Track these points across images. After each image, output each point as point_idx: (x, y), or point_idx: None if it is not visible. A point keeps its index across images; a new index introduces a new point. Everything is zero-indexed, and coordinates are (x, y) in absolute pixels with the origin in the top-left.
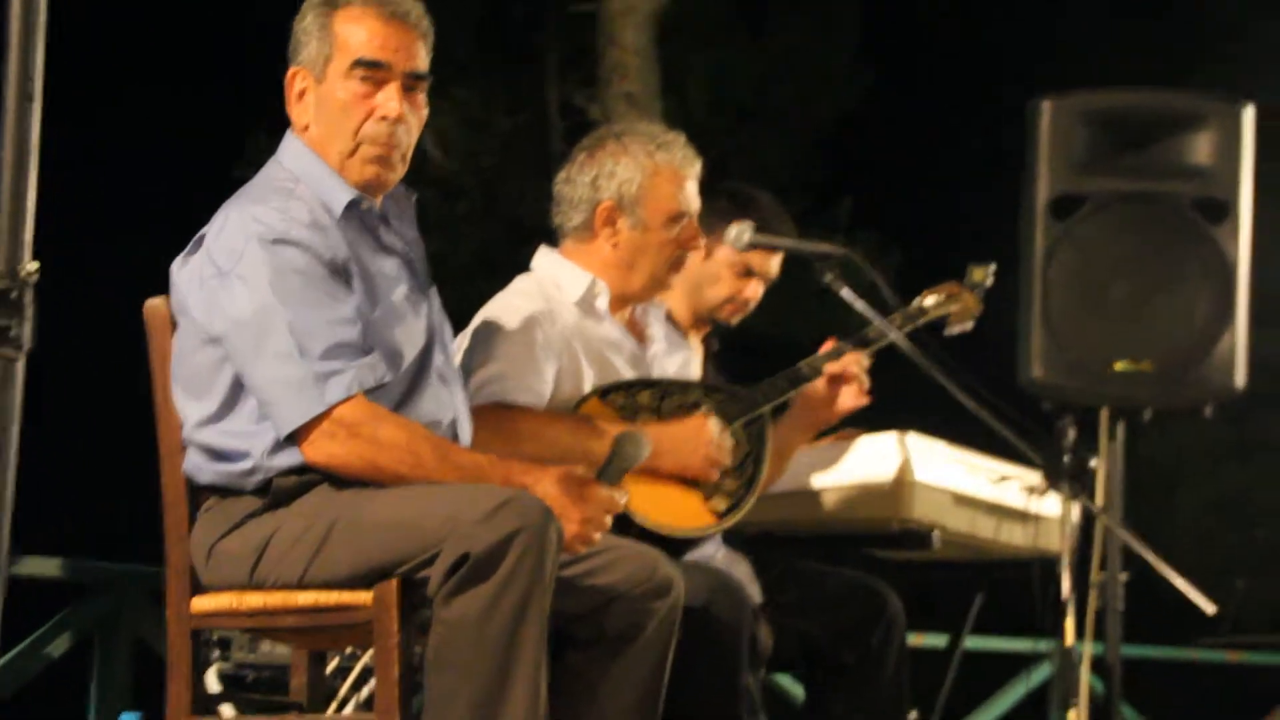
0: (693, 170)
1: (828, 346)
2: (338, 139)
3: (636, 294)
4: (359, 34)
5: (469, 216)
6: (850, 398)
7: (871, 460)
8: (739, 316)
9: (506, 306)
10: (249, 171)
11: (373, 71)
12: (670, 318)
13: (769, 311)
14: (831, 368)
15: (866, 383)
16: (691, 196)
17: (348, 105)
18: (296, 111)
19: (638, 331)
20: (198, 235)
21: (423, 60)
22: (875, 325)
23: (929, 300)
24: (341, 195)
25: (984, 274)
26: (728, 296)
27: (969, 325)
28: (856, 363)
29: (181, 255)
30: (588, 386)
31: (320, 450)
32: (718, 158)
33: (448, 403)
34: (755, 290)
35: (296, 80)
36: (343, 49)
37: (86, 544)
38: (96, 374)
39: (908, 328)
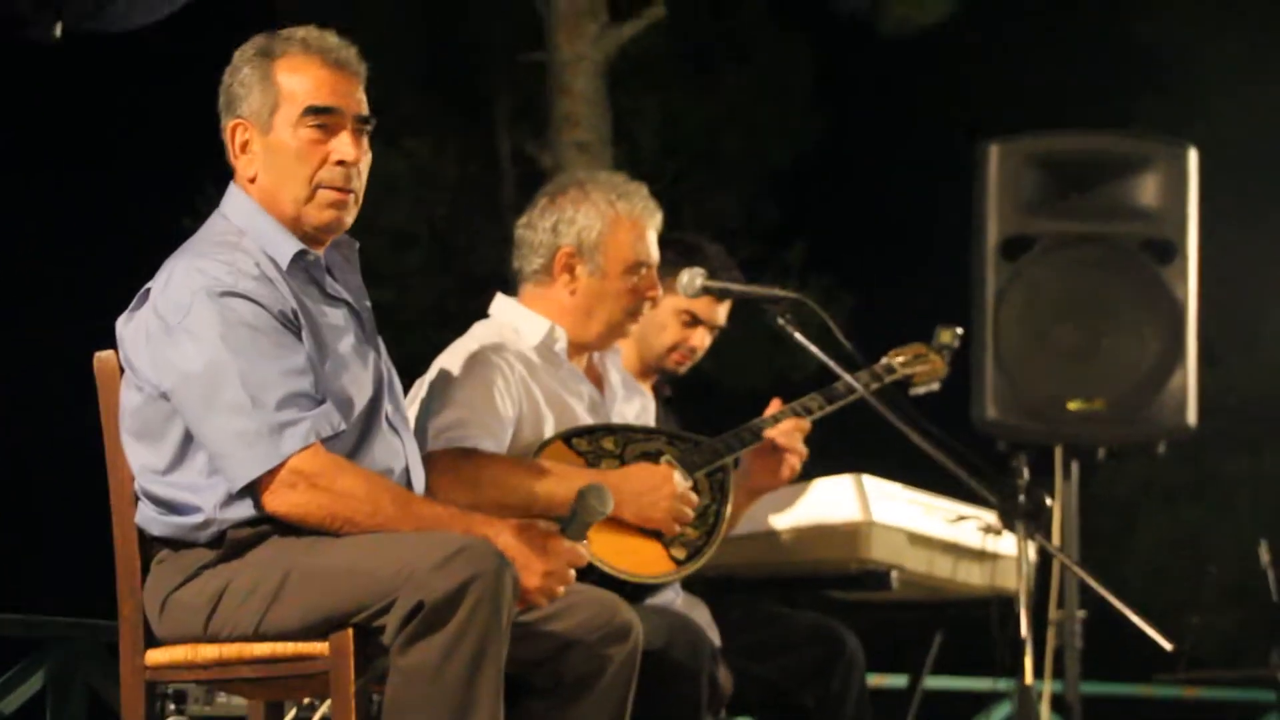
0: (653, 221)
1: (774, 408)
2: (291, 186)
3: (593, 341)
4: (304, 83)
5: (420, 267)
6: (788, 468)
7: (830, 502)
8: (686, 366)
9: (464, 352)
10: (197, 224)
11: (325, 118)
12: None
13: (724, 359)
14: (770, 434)
15: (803, 452)
16: (651, 247)
17: (302, 152)
18: (242, 164)
19: (596, 377)
20: (142, 290)
21: (365, 104)
22: (843, 380)
23: (896, 360)
24: (287, 247)
25: (951, 336)
26: (673, 344)
27: (935, 386)
28: (794, 432)
29: (126, 311)
30: (548, 431)
31: (281, 500)
32: (669, 203)
33: (399, 450)
34: (702, 339)
35: (238, 133)
36: (289, 98)
37: (40, 599)
38: (46, 428)
39: (874, 386)
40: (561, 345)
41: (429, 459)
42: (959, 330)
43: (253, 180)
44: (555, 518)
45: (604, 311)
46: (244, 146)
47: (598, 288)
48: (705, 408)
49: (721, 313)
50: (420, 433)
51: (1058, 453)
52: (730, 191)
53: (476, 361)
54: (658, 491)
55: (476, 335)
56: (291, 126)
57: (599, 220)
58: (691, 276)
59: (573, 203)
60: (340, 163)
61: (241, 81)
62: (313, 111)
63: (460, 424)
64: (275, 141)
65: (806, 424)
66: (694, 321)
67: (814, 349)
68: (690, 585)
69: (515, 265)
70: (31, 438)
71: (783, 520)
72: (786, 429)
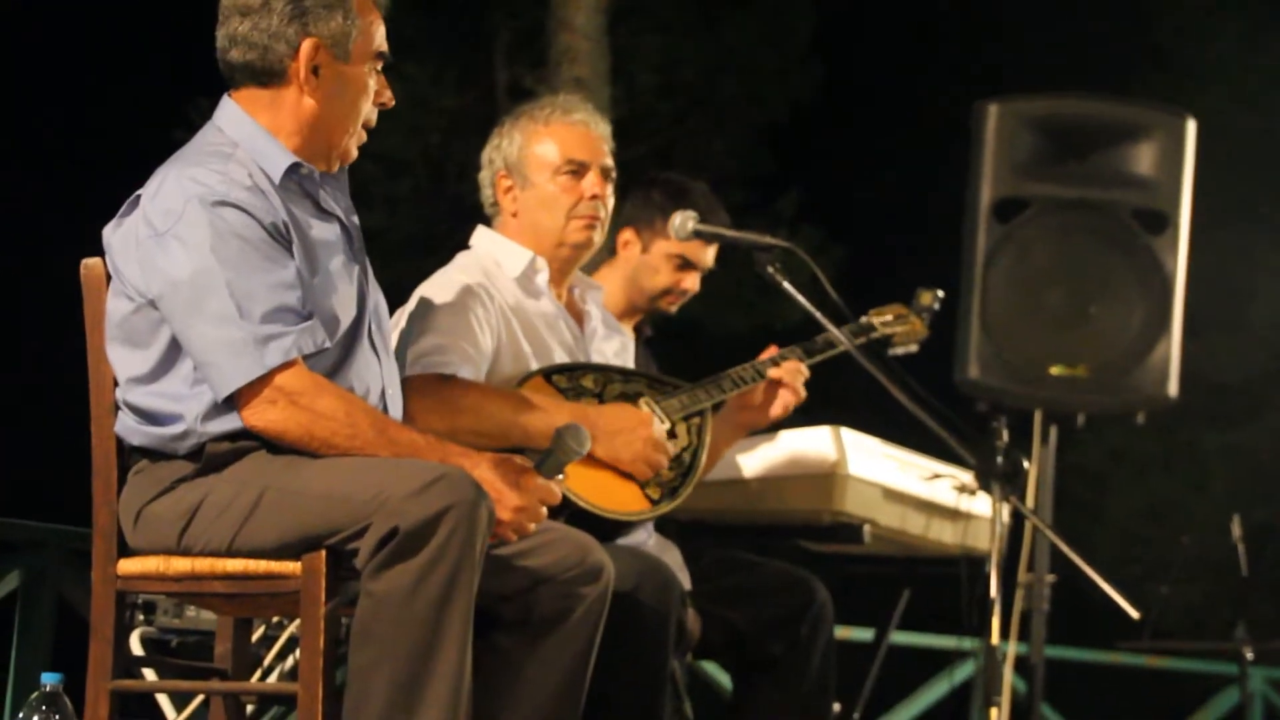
0: (579, 120)
1: (770, 353)
2: (349, 118)
3: (556, 256)
4: (378, 28)
5: (411, 193)
6: (781, 405)
7: (805, 453)
8: (676, 306)
9: (446, 281)
10: (189, 135)
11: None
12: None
13: (707, 303)
14: (774, 373)
15: (803, 394)
16: (584, 147)
17: (368, 91)
18: (309, 85)
19: (576, 312)
20: (132, 197)
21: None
22: (827, 334)
23: (877, 319)
24: (280, 159)
25: (932, 298)
26: (666, 287)
27: (914, 348)
28: (797, 372)
29: (115, 218)
30: (530, 364)
31: (259, 415)
32: (663, 145)
33: (378, 372)
34: (693, 281)
35: (315, 53)
36: (366, 38)
37: (11, 503)
38: (30, 336)
39: (858, 341)
40: (543, 276)
41: (406, 383)
42: (939, 293)
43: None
44: (531, 453)
45: (546, 219)
46: (315, 70)
47: (531, 199)
48: (685, 350)
49: (710, 255)
50: (400, 359)
51: (1037, 416)
52: (725, 136)
53: (457, 290)
54: (633, 434)
55: (458, 265)
56: (367, 62)
57: (520, 135)
58: (683, 219)
59: (503, 132)
60: (382, 104)
61: (326, 5)
62: (381, 56)
63: (439, 349)
64: (353, 74)
65: (806, 369)
66: (686, 265)
67: (801, 299)
68: (663, 528)
69: (486, 197)
70: (13, 346)
71: (758, 468)
72: (790, 368)
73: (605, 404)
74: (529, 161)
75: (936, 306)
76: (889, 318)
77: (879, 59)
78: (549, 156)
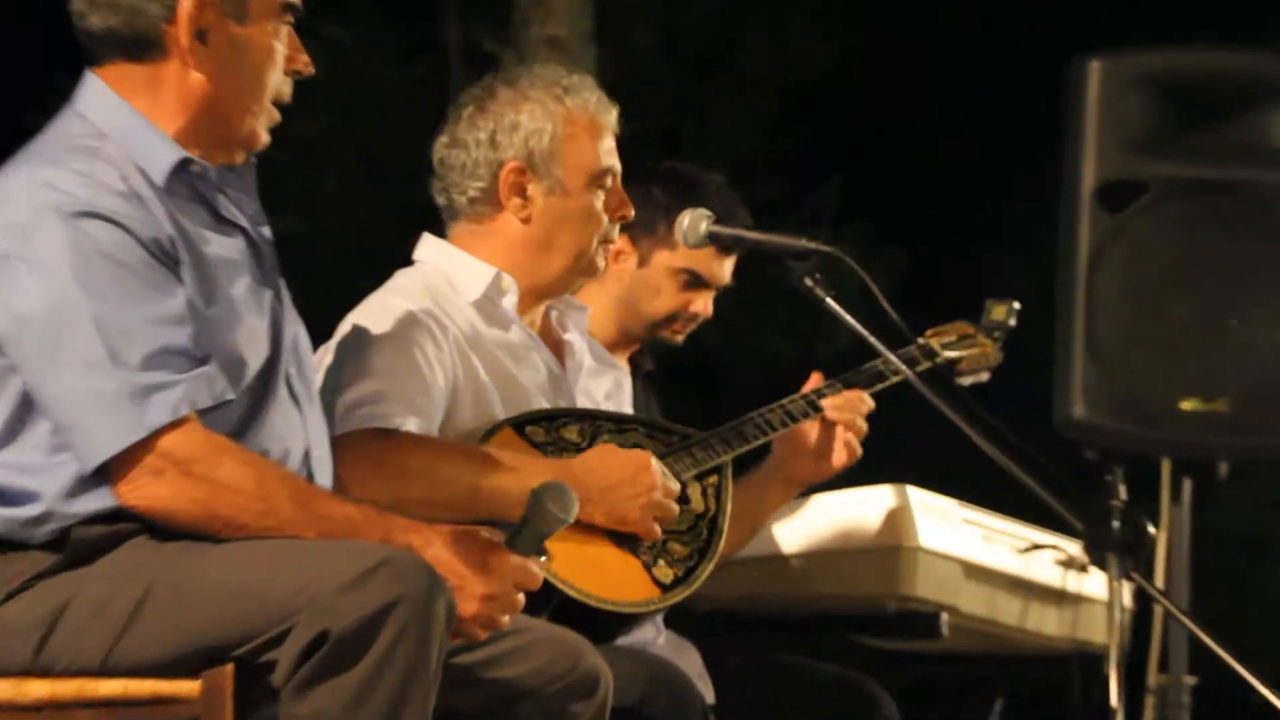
0: (611, 120)
1: (814, 383)
2: (252, 93)
3: (555, 282)
4: None
5: (340, 193)
6: (845, 449)
7: (862, 520)
8: (684, 335)
9: (383, 309)
10: (41, 124)
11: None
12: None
13: (728, 329)
14: (830, 407)
15: (862, 431)
16: (614, 152)
17: (274, 56)
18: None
19: (555, 343)
20: None
21: None
22: (879, 361)
23: (936, 341)
24: (164, 155)
25: (1005, 312)
26: (671, 312)
27: (984, 376)
28: (860, 402)
29: None
30: (497, 413)
31: (141, 491)
32: (665, 124)
33: (299, 429)
34: (705, 303)
35: (200, 12)
36: None
37: None
38: None
39: (917, 368)
40: (511, 299)
41: (338, 443)
42: (1015, 305)
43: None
44: (501, 524)
45: (570, 240)
46: (202, 35)
47: (559, 209)
48: (698, 390)
49: (727, 269)
50: (327, 409)
51: (1165, 466)
52: (747, 111)
53: (398, 320)
54: (634, 483)
55: (399, 287)
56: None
57: (549, 121)
58: (694, 221)
59: (510, 105)
60: (296, 73)
61: None
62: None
63: (377, 398)
64: (252, 37)
65: (869, 400)
66: (695, 281)
67: (849, 319)
68: (677, 622)
69: (442, 200)
70: None
71: (800, 541)
72: (845, 403)
73: (589, 451)
74: (565, 159)
75: (1012, 323)
76: (951, 338)
77: (945, 6)
78: (588, 160)
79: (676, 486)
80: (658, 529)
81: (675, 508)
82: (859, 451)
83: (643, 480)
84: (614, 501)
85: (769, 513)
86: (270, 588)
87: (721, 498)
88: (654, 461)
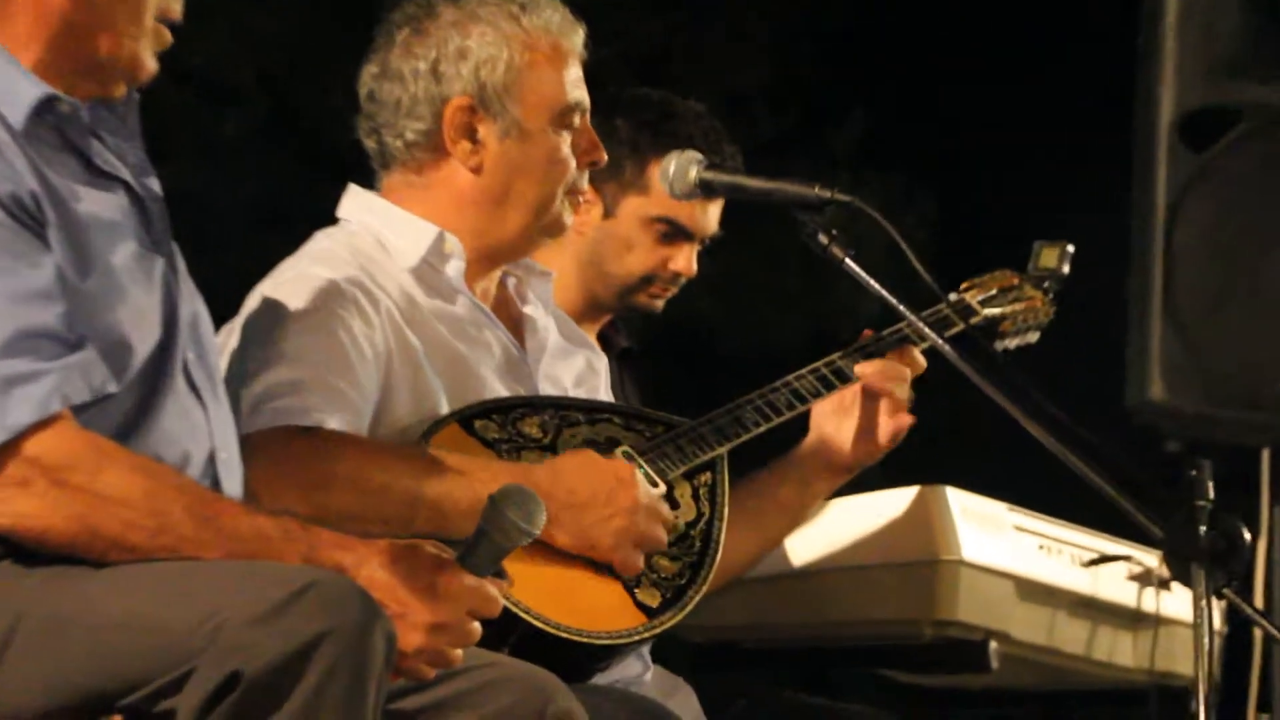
0: (577, 43)
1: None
2: (128, 5)
3: (511, 244)
4: None
5: (243, 137)
6: (892, 424)
7: (892, 528)
8: (663, 300)
9: (300, 279)
10: None
11: None
12: None
13: (725, 294)
14: (866, 373)
15: (907, 402)
16: (582, 84)
17: None
18: None
19: (512, 317)
20: None
21: None
22: (910, 325)
23: (973, 295)
24: (23, 90)
25: (1057, 257)
26: (647, 272)
27: (1032, 336)
28: (906, 366)
29: None
30: (440, 405)
31: (4, 507)
32: (643, 45)
33: (200, 427)
34: (687, 259)
35: None
36: None
37: None
38: None
39: (949, 331)
40: (457, 265)
41: (247, 443)
42: (1069, 248)
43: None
44: (448, 541)
45: (530, 191)
46: None
47: (516, 154)
48: (690, 371)
49: (713, 215)
50: (234, 402)
51: (1265, 458)
52: (748, 34)
53: (318, 292)
54: (611, 500)
55: (319, 252)
56: None
57: (503, 47)
58: (682, 166)
59: (455, 27)
60: None
61: None
62: None
63: (295, 388)
64: None
65: (919, 357)
66: (674, 233)
67: (872, 283)
68: (667, 655)
69: (370, 144)
70: None
71: (817, 555)
72: (886, 367)
73: (560, 455)
74: (523, 93)
75: (1066, 269)
76: (992, 292)
77: None
78: (550, 94)
79: (670, 515)
80: (638, 559)
81: (663, 536)
82: (904, 428)
83: (621, 499)
84: (583, 523)
85: (813, 504)
86: (166, 621)
87: (716, 500)
88: (640, 477)
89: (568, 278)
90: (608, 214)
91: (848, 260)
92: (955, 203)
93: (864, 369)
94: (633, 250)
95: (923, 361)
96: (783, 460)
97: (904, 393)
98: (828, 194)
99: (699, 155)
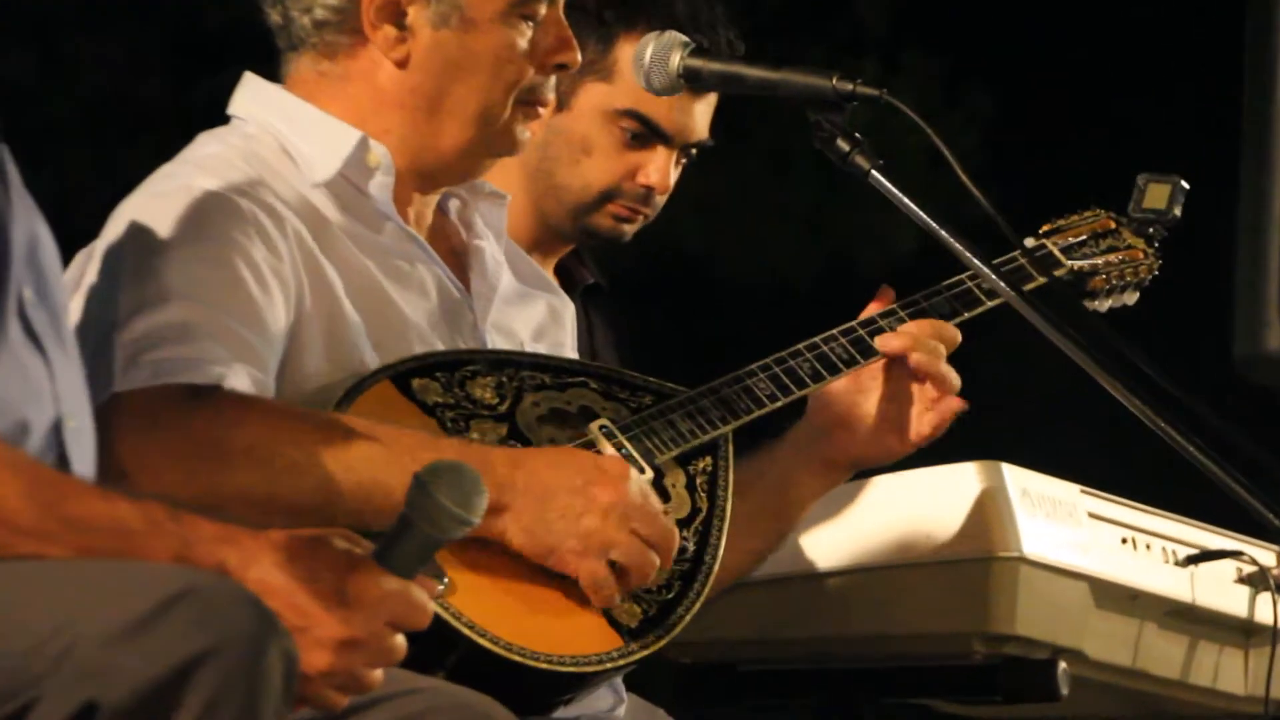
0: None
1: (877, 306)
2: None
3: (448, 161)
4: None
5: (100, 14)
6: (930, 414)
7: (936, 517)
8: (633, 226)
9: (180, 193)
10: None
11: None
12: None
13: (717, 221)
14: (891, 344)
15: (954, 383)
16: None
17: None
18: None
19: (453, 250)
20: None
21: None
22: (972, 271)
23: (1054, 244)
24: None
25: (1169, 196)
26: (609, 185)
27: (1130, 297)
28: (935, 338)
29: None
30: (366, 358)
31: None
32: None
33: (43, 387)
34: (661, 170)
35: None
36: None
37: None
38: None
39: (1027, 285)
40: (384, 181)
41: (118, 405)
42: (1183, 184)
43: None
44: (368, 533)
45: (472, 97)
46: None
47: (453, 47)
48: (672, 316)
49: (699, 115)
50: (92, 352)
51: None
52: None
53: (206, 211)
54: (584, 493)
55: (206, 159)
56: None
57: None
58: (661, 49)
59: None
60: None
61: None
62: None
63: (184, 334)
64: None
65: (953, 331)
66: (647, 134)
67: (910, 205)
68: (646, 683)
69: (276, 17)
70: None
71: (841, 551)
72: (914, 337)
73: (522, 430)
74: None
75: (1177, 212)
76: (1082, 237)
77: None
78: None
79: (675, 534)
80: (607, 577)
81: (654, 558)
82: (949, 416)
83: (599, 493)
84: (545, 516)
85: (799, 511)
86: (5, 638)
87: (717, 492)
88: (634, 475)
89: (513, 196)
90: (561, 106)
91: (875, 173)
92: (1015, 100)
93: (886, 342)
94: (591, 154)
95: (956, 333)
96: (758, 450)
97: (947, 369)
98: (849, 86)
99: (684, 38)
